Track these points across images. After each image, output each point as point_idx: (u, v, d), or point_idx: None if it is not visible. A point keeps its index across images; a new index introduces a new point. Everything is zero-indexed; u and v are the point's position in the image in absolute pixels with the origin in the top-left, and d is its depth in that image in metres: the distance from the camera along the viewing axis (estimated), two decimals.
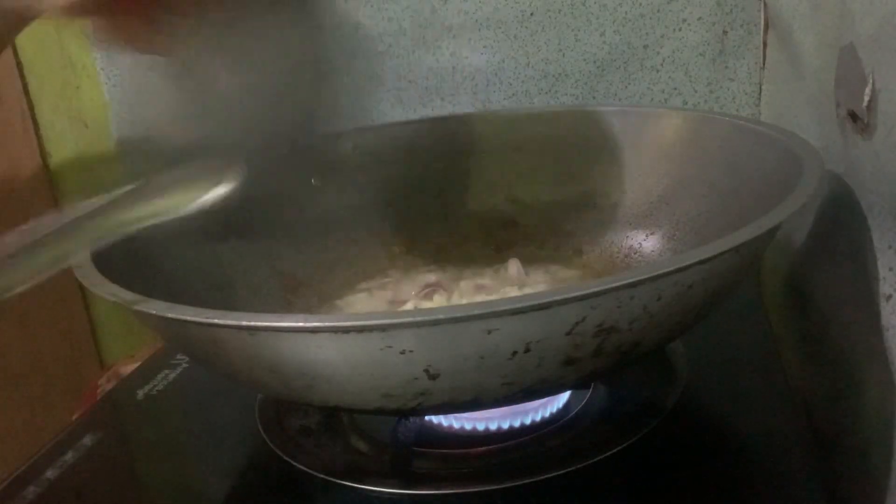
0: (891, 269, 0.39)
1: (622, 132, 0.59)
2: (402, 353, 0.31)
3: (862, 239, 0.42)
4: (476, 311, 0.30)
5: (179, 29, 0.33)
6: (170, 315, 0.34)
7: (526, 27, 0.72)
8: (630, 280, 0.31)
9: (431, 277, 0.57)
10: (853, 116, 0.41)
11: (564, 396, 0.45)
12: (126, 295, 0.36)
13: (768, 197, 0.40)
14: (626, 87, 0.72)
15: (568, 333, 0.31)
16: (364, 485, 0.40)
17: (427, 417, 0.44)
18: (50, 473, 0.44)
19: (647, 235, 0.55)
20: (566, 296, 0.30)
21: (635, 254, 0.55)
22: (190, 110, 0.37)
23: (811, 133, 0.49)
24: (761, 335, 0.52)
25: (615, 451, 0.40)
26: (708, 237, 0.49)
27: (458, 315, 0.30)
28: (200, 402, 0.52)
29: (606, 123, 0.59)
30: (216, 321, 0.33)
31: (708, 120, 0.55)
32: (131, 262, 0.44)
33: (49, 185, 0.84)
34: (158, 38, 0.35)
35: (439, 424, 0.44)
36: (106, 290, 0.37)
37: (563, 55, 0.72)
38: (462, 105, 0.75)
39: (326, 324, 0.31)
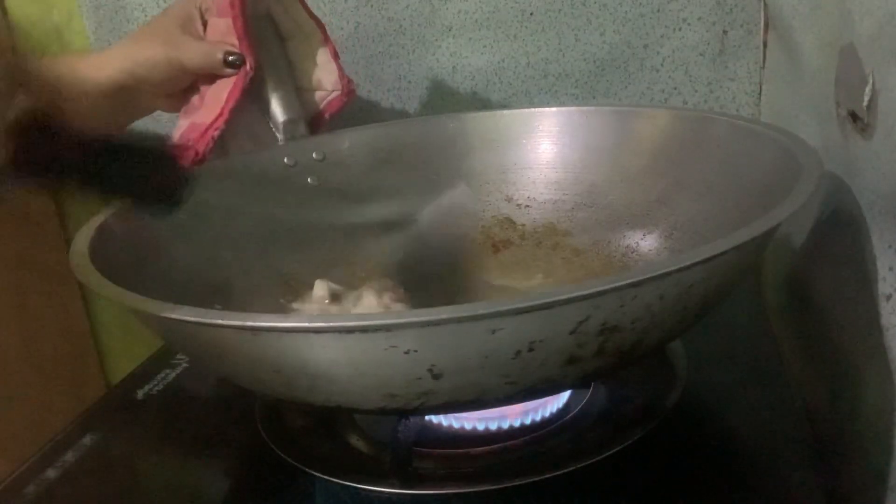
0: (891, 269, 0.39)
1: (622, 132, 0.59)
2: (406, 352, 0.31)
3: (862, 239, 0.42)
4: (480, 311, 0.30)
5: None
6: (172, 316, 0.34)
7: (526, 27, 0.72)
8: (633, 280, 0.31)
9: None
10: (853, 116, 0.41)
11: (564, 397, 0.46)
12: (125, 295, 0.36)
13: (767, 197, 0.40)
14: (626, 87, 0.72)
15: (571, 333, 0.31)
16: (364, 485, 0.40)
17: (427, 417, 0.44)
18: (50, 473, 0.44)
19: (644, 235, 0.55)
20: (570, 295, 0.30)
21: (633, 253, 0.55)
22: None
23: (811, 133, 0.49)
24: (761, 335, 0.52)
25: (615, 451, 0.40)
26: (705, 237, 0.49)
27: (462, 315, 0.30)
28: (200, 402, 0.52)
29: (606, 123, 0.59)
30: (218, 322, 0.33)
31: (707, 120, 0.55)
32: (131, 262, 0.44)
33: None
34: None
35: (440, 424, 0.44)
36: (106, 290, 0.37)
37: (563, 55, 0.72)
38: (462, 105, 0.75)
39: (330, 324, 0.31)
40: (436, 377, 0.32)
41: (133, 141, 0.42)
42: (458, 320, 0.30)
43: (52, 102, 0.37)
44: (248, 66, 0.57)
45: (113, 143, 0.40)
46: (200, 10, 0.59)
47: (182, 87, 0.59)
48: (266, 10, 0.61)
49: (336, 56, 0.63)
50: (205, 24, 0.59)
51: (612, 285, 0.30)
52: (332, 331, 0.31)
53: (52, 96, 0.38)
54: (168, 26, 0.57)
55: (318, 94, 0.63)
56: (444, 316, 0.30)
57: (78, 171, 0.38)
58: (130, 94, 0.56)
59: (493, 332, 0.30)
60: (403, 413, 0.38)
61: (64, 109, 0.38)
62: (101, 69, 0.55)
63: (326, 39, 0.63)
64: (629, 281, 0.31)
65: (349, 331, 0.31)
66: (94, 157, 0.38)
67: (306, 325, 0.31)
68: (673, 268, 0.32)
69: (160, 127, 0.69)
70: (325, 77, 0.63)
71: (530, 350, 0.31)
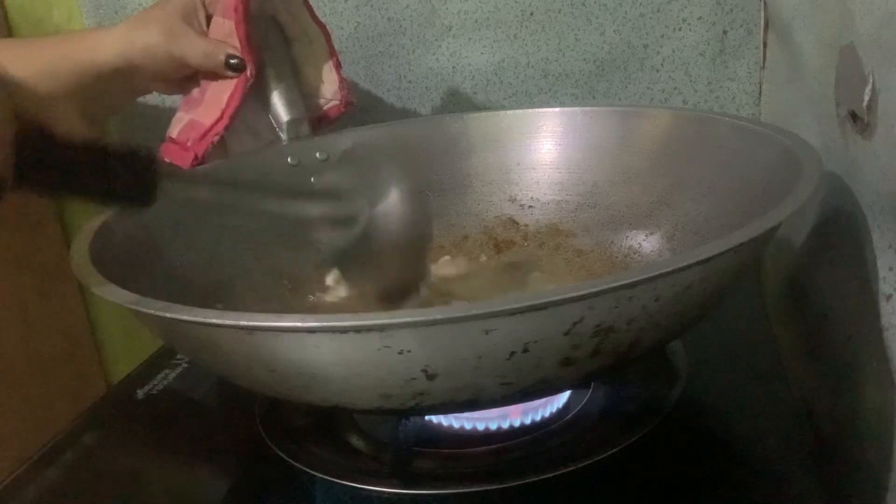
0: (891, 269, 0.39)
1: (624, 132, 0.58)
2: (400, 353, 0.31)
3: (862, 239, 0.42)
4: (474, 312, 0.30)
5: None
6: (169, 315, 0.34)
7: (526, 27, 0.72)
8: (628, 280, 0.31)
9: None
10: (853, 116, 0.41)
11: (564, 396, 0.45)
12: (125, 295, 0.36)
13: (768, 197, 0.40)
14: (626, 87, 0.72)
15: (566, 334, 0.31)
16: (364, 485, 0.40)
17: (427, 417, 0.44)
18: (50, 473, 0.44)
19: (646, 235, 0.55)
20: (564, 296, 0.30)
21: (635, 254, 0.55)
22: None
23: (811, 133, 0.49)
24: (761, 335, 0.52)
25: (615, 451, 0.40)
26: (707, 237, 0.49)
27: (456, 315, 0.30)
28: (200, 402, 0.52)
29: (609, 123, 0.59)
30: (215, 321, 0.33)
31: (708, 120, 0.55)
32: (131, 262, 0.45)
33: None
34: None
35: (439, 424, 0.44)
36: (106, 290, 0.37)
37: (563, 55, 0.72)
38: (462, 105, 0.75)
39: (324, 324, 0.31)
40: (430, 378, 0.32)
41: (107, 145, 0.42)
42: (452, 321, 0.30)
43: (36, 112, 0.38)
44: (248, 73, 0.57)
45: (91, 147, 0.40)
46: (204, 1, 0.59)
47: (180, 75, 0.59)
48: (272, 11, 0.61)
49: (338, 66, 0.63)
50: (208, 19, 0.58)
51: (607, 286, 0.30)
52: (327, 331, 0.31)
53: (34, 107, 0.38)
54: (170, 15, 0.57)
55: (317, 101, 0.63)
56: (437, 316, 0.30)
57: (67, 178, 0.39)
58: (126, 76, 0.56)
59: (487, 332, 0.30)
60: (399, 413, 0.38)
61: (49, 115, 0.38)
62: (98, 50, 0.55)
63: (331, 49, 0.63)
64: (624, 282, 0.31)
65: (343, 331, 0.31)
66: (78, 163, 0.39)
67: (300, 324, 0.31)
68: (668, 269, 0.32)
69: (163, 113, 0.69)
70: (324, 85, 0.63)
71: (525, 351, 0.31)
